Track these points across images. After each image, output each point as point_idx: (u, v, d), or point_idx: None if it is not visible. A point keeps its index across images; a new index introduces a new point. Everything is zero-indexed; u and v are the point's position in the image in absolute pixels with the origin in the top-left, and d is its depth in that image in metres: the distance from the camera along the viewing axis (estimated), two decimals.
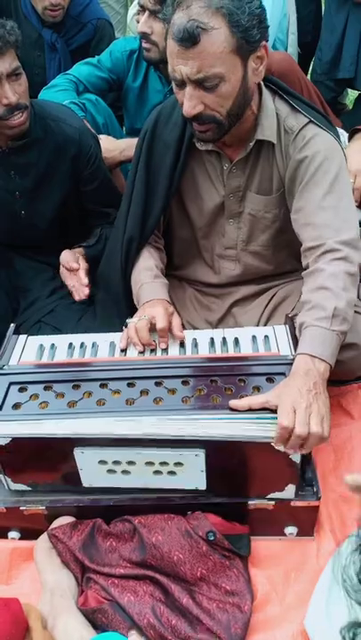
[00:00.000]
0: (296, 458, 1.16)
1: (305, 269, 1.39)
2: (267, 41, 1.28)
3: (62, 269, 1.76)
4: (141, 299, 1.51)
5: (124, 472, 1.21)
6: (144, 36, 1.96)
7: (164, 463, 1.19)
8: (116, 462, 1.20)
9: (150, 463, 1.19)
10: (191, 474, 1.20)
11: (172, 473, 1.20)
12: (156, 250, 1.65)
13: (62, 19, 2.34)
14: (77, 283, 1.73)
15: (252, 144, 1.42)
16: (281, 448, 1.13)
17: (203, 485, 1.23)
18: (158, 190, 1.53)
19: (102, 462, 1.20)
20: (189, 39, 1.18)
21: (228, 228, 1.59)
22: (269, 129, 1.41)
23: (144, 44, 1.98)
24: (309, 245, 1.38)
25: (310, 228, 1.38)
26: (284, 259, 1.64)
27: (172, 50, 1.23)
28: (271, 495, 1.24)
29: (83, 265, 1.74)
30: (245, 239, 1.60)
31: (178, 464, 1.19)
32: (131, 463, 1.20)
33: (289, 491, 1.23)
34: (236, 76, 1.26)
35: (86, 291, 1.71)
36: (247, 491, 1.25)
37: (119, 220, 1.64)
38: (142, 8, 1.93)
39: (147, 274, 1.56)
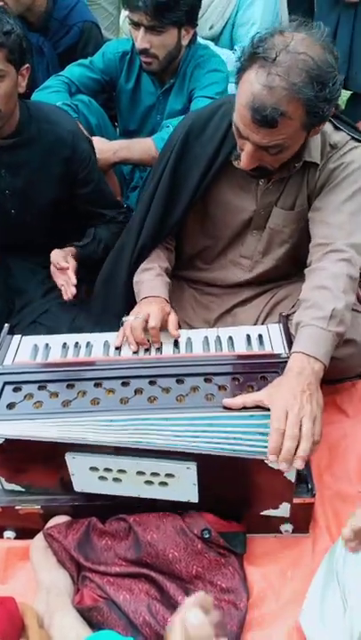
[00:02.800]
0: (291, 476, 1.15)
1: (308, 265, 1.40)
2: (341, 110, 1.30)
3: (52, 268, 1.75)
4: (140, 295, 1.51)
5: (116, 480, 1.20)
6: (143, 52, 1.93)
7: (155, 474, 1.18)
8: (108, 470, 1.19)
9: (141, 473, 1.18)
10: (183, 486, 1.19)
11: (163, 484, 1.19)
12: (165, 250, 1.65)
13: (46, 22, 2.33)
14: (66, 282, 1.73)
15: (298, 165, 1.42)
16: (275, 465, 1.11)
17: (195, 498, 1.21)
18: (182, 197, 1.53)
19: (93, 469, 1.19)
20: (268, 123, 1.19)
21: (249, 238, 1.60)
22: (315, 149, 1.41)
23: (144, 59, 1.96)
24: (318, 242, 1.39)
25: (323, 226, 1.40)
26: (291, 268, 1.66)
27: (244, 116, 1.22)
28: (265, 512, 1.24)
29: (72, 264, 1.73)
30: (262, 251, 1.61)
31: (169, 475, 1.17)
32: (122, 471, 1.18)
33: (283, 509, 1.23)
34: (299, 143, 1.31)
35: (74, 290, 1.69)
36: (241, 507, 1.25)
37: (134, 222, 1.63)
38: (136, 24, 1.90)
39: (149, 272, 1.57)
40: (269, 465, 1.11)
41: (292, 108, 1.18)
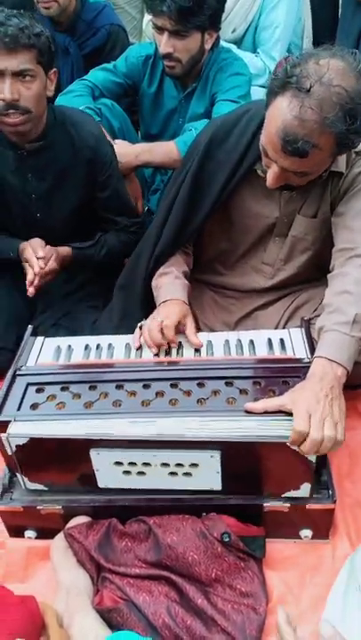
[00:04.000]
0: (311, 457, 1.16)
1: (331, 270, 1.40)
2: None
3: (27, 248, 1.73)
4: (159, 299, 1.52)
5: (140, 473, 1.22)
6: (167, 56, 1.94)
7: (179, 464, 1.19)
8: (132, 464, 1.20)
9: (166, 464, 1.20)
10: (206, 475, 1.21)
11: (187, 474, 1.21)
12: (183, 254, 1.65)
13: (74, 22, 2.38)
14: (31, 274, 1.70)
15: (325, 175, 1.42)
16: (296, 447, 1.13)
17: (218, 486, 1.23)
18: (204, 204, 1.53)
19: (118, 463, 1.21)
20: (298, 154, 1.20)
21: (271, 245, 1.60)
22: (342, 159, 1.41)
23: (167, 63, 1.97)
24: (341, 247, 1.39)
25: (347, 231, 1.40)
26: (312, 274, 1.66)
27: (274, 142, 1.22)
28: (286, 494, 1.24)
29: (49, 266, 1.71)
30: (284, 258, 1.61)
31: (193, 465, 1.19)
32: (146, 464, 1.20)
33: (304, 489, 1.23)
34: (325, 167, 1.32)
35: (30, 289, 1.69)
36: (262, 490, 1.25)
37: (153, 229, 1.63)
38: (160, 29, 1.91)
39: (167, 276, 1.57)
40: (291, 447, 1.13)
41: (323, 140, 1.19)
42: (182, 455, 1.18)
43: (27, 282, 1.70)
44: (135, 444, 1.17)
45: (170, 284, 1.54)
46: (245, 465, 1.20)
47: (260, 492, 1.26)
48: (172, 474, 1.21)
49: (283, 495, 1.25)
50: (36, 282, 1.69)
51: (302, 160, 1.22)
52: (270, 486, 1.25)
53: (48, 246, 1.76)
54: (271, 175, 1.30)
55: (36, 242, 1.75)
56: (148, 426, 1.17)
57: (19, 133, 1.61)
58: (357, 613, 1.10)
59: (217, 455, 1.16)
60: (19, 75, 1.52)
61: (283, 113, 1.19)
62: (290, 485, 1.23)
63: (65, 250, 1.80)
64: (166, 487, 1.24)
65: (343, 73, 1.16)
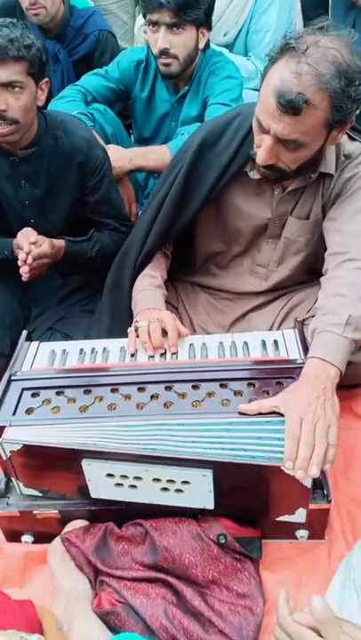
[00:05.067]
0: (307, 482, 1.15)
1: (324, 274, 1.40)
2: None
3: (18, 234, 1.72)
4: (139, 304, 1.52)
5: (132, 486, 1.21)
6: (163, 52, 1.95)
7: (171, 481, 1.18)
8: (124, 476, 1.19)
9: (157, 480, 1.18)
10: (199, 493, 1.19)
11: (179, 491, 1.19)
12: (164, 257, 1.66)
13: (63, 29, 2.39)
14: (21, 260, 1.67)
15: (314, 176, 1.43)
16: (291, 472, 1.11)
17: (210, 505, 1.21)
18: (192, 204, 1.54)
19: (110, 475, 1.20)
20: (292, 109, 1.19)
21: (264, 246, 1.61)
22: (331, 160, 1.42)
23: (163, 60, 1.97)
24: (334, 251, 1.40)
25: (339, 235, 1.41)
26: (305, 276, 1.67)
27: (269, 103, 1.23)
28: (281, 518, 1.24)
29: (42, 248, 1.69)
30: (278, 260, 1.62)
31: (185, 482, 1.17)
32: (138, 478, 1.19)
33: (299, 514, 1.22)
34: (317, 144, 1.30)
35: (26, 269, 1.65)
36: (256, 513, 1.25)
37: (140, 228, 1.64)
38: (154, 24, 1.92)
39: (149, 280, 1.58)
40: (286, 471, 1.11)
41: (318, 98, 1.19)
42: (174, 471, 1.16)
43: (19, 263, 1.66)
44: (126, 457, 1.16)
45: (151, 291, 1.55)
46: (239, 486, 1.19)
47: (255, 514, 1.25)
48: (164, 489, 1.20)
49: (277, 519, 1.24)
50: (29, 260, 1.65)
51: (296, 120, 1.21)
52: (265, 510, 1.23)
53: (42, 236, 1.74)
54: (262, 150, 1.30)
55: (28, 229, 1.74)
56: (140, 438, 1.16)
57: (7, 142, 1.63)
58: (354, 614, 1.10)
59: (209, 474, 1.15)
60: (7, 86, 1.53)
61: (280, 72, 1.20)
62: (285, 510, 1.22)
63: (58, 242, 1.79)
64: (158, 502, 1.22)
65: (339, 42, 1.21)
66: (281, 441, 1.13)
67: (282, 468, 1.11)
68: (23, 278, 1.68)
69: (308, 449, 1.10)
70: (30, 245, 1.67)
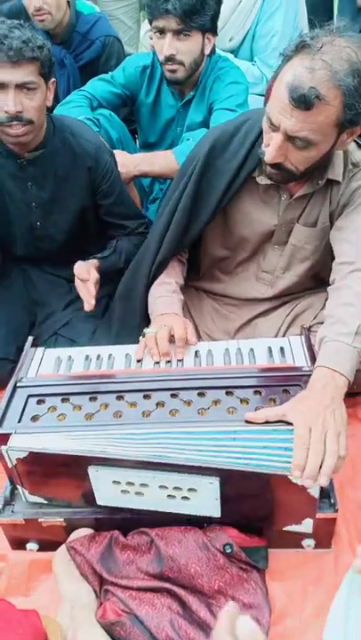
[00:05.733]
0: (315, 492, 1.14)
1: (331, 283, 1.40)
2: None
3: (77, 280, 1.77)
4: (156, 310, 1.52)
5: (138, 494, 1.20)
6: (170, 59, 1.94)
7: (177, 488, 1.17)
8: (130, 483, 1.18)
9: (164, 487, 1.17)
10: (205, 501, 1.18)
11: (185, 498, 1.19)
12: (179, 263, 1.66)
13: (69, 35, 2.40)
14: (87, 293, 1.73)
15: (321, 182, 1.43)
16: (298, 481, 1.10)
17: (217, 513, 1.20)
18: (204, 212, 1.54)
19: (116, 482, 1.19)
20: (304, 104, 1.19)
21: (270, 252, 1.60)
22: (338, 167, 1.42)
23: (169, 67, 1.97)
24: (342, 260, 1.39)
25: (347, 245, 1.40)
26: (311, 283, 1.67)
27: (281, 98, 1.22)
28: (288, 528, 1.23)
29: (93, 276, 1.73)
30: (284, 267, 1.61)
31: (191, 490, 1.17)
32: (144, 485, 1.18)
33: (306, 525, 1.22)
34: (327, 144, 1.29)
35: (93, 302, 1.69)
36: (263, 522, 1.24)
37: (152, 237, 1.64)
38: (161, 31, 1.92)
39: (165, 287, 1.58)
40: (293, 481, 1.10)
41: (331, 94, 1.19)
42: (181, 479, 1.15)
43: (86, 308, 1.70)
44: (133, 464, 1.16)
45: (167, 297, 1.55)
46: (245, 495, 1.18)
47: (261, 524, 1.24)
48: (171, 497, 1.19)
49: (284, 529, 1.23)
50: (93, 293, 1.70)
51: (308, 115, 1.21)
52: (271, 519, 1.23)
53: (80, 261, 1.76)
54: (272, 147, 1.29)
55: (80, 267, 1.76)
56: (146, 446, 1.16)
57: (20, 144, 1.63)
58: (360, 623, 1.09)
59: (216, 482, 1.14)
60: (22, 87, 1.53)
61: (294, 67, 1.20)
62: (292, 520, 1.22)
63: (94, 262, 1.80)
64: (164, 509, 1.22)
65: (353, 43, 1.21)
66: (288, 450, 1.12)
67: (289, 476, 1.10)
68: (91, 308, 1.70)
69: (318, 458, 1.10)
70: (92, 287, 1.70)
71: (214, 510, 1.20)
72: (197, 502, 1.19)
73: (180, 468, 1.14)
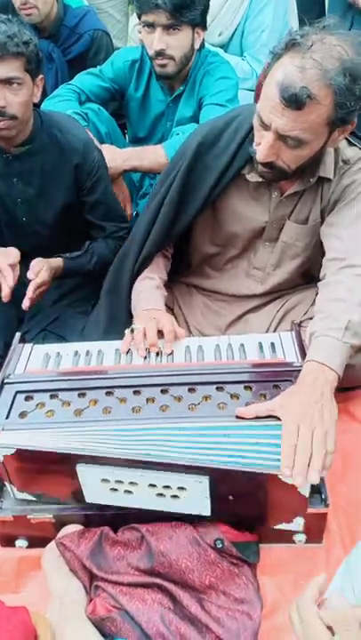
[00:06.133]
0: (305, 491, 1.14)
1: (321, 279, 1.40)
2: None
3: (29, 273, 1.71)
4: (139, 306, 1.51)
5: (127, 492, 1.19)
6: (160, 53, 1.94)
7: (166, 487, 1.17)
8: (119, 482, 1.18)
9: (153, 485, 1.17)
10: (195, 499, 1.18)
11: (175, 497, 1.18)
12: (163, 258, 1.66)
13: (57, 29, 2.38)
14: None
15: (313, 180, 1.43)
16: (288, 480, 1.10)
17: (207, 512, 1.20)
18: (191, 207, 1.53)
19: (105, 480, 1.18)
20: (295, 103, 1.18)
21: (261, 250, 1.60)
22: (329, 164, 1.42)
23: (159, 62, 1.96)
24: (333, 256, 1.39)
25: (338, 241, 1.40)
26: (302, 280, 1.67)
27: (271, 97, 1.21)
28: (278, 526, 1.23)
29: (40, 277, 1.68)
30: (275, 263, 1.61)
31: (181, 488, 1.16)
32: (133, 484, 1.17)
33: (297, 523, 1.21)
34: (318, 143, 1.29)
35: (27, 303, 1.65)
36: (254, 520, 1.24)
37: (138, 231, 1.63)
38: (150, 25, 1.91)
39: (149, 282, 1.57)
40: (283, 480, 1.10)
41: (322, 93, 1.18)
42: (170, 477, 1.15)
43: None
44: (121, 462, 1.15)
45: (151, 293, 1.54)
46: (236, 494, 1.17)
47: (251, 522, 1.24)
48: (160, 495, 1.18)
49: (274, 527, 1.23)
50: (30, 294, 1.65)
51: (299, 115, 1.20)
52: (261, 518, 1.22)
53: (39, 258, 1.73)
54: (263, 146, 1.29)
55: (9, 250, 1.70)
56: (135, 443, 1.15)
57: (3, 138, 1.61)
58: None
59: (205, 481, 1.13)
60: (6, 82, 1.51)
61: (284, 66, 1.19)
62: (282, 518, 1.21)
63: (56, 261, 1.79)
64: (154, 508, 1.21)
65: (344, 41, 1.20)
66: (278, 447, 1.12)
67: (279, 475, 1.10)
68: (24, 308, 1.65)
69: (306, 456, 1.09)
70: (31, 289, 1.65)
71: (204, 509, 1.20)
72: (187, 501, 1.18)
73: (169, 467, 1.13)
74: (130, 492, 1.19)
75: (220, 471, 1.12)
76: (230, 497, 1.17)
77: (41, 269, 1.69)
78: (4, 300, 1.64)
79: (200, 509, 1.20)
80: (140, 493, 1.18)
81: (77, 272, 1.84)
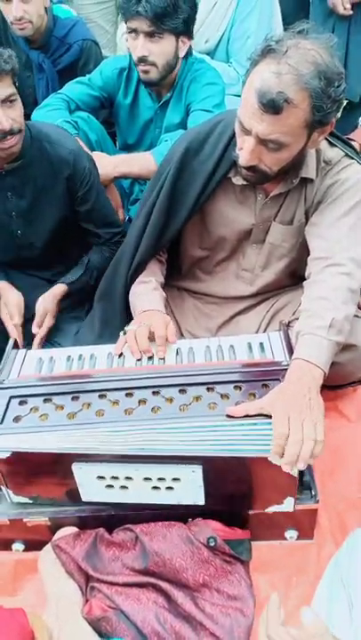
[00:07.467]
0: (294, 471, 1.17)
1: (307, 278, 1.42)
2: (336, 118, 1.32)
3: (37, 318, 1.81)
4: (138, 308, 1.53)
5: (123, 487, 1.22)
6: (142, 60, 1.96)
7: (161, 479, 1.20)
8: (114, 478, 1.20)
9: (148, 479, 1.20)
10: (189, 489, 1.21)
11: (170, 488, 1.21)
12: (158, 263, 1.68)
13: (47, 39, 2.40)
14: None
15: (296, 181, 1.45)
16: (278, 462, 1.14)
17: (201, 500, 1.23)
18: (180, 213, 1.56)
19: (100, 477, 1.21)
20: (273, 108, 1.21)
21: (249, 251, 1.62)
22: (312, 165, 1.44)
23: (142, 68, 1.98)
24: (317, 256, 1.42)
25: (322, 241, 1.43)
26: (290, 280, 1.69)
27: (251, 103, 1.24)
28: (270, 509, 1.26)
29: (46, 325, 1.80)
30: (263, 265, 1.64)
31: (175, 479, 1.19)
32: (128, 479, 1.20)
33: (288, 503, 1.24)
34: (298, 145, 1.32)
35: (20, 339, 1.76)
36: (246, 505, 1.26)
37: (130, 238, 1.65)
38: (134, 32, 1.93)
39: (146, 285, 1.59)
40: (272, 462, 1.14)
41: (298, 97, 1.21)
42: (164, 469, 1.18)
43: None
44: (117, 458, 1.18)
45: (148, 294, 1.56)
46: (227, 480, 1.21)
47: (244, 507, 1.27)
48: (155, 488, 1.21)
49: (266, 510, 1.26)
50: (37, 341, 1.76)
51: (277, 119, 1.23)
52: (254, 501, 1.25)
53: (40, 299, 1.81)
54: (245, 151, 1.31)
55: (14, 303, 1.80)
56: (128, 440, 1.17)
57: (12, 154, 1.63)
58: (342, 612, 1.11)
59: (198, 470, 1.17)
60: (5, 101, 1.54)
61: (260, 73, 1.22)
62: (273, 500, 1.24)
63: (60, 288, 1.83)
64: (149, 501, 1.24)
65: (318, 45, 1.23)
66: (267, 436, 1.14)
67: (269, 458, 1.13)
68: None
69: (297, 445, 1.12)
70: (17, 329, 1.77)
71: (198, 498, 1.22)
72: (182, 491, 1.21)
73: (163, 459, 1.16)
74: (125, 487, 1.22)
75: (213, 459, 1.15)
76: (223, 484, 1.21)
77: (45, 316, 1.78)
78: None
79: (195, 499, 1.23)
80: (136, 488, 1.21)
81: (81, 291, 1.88)
